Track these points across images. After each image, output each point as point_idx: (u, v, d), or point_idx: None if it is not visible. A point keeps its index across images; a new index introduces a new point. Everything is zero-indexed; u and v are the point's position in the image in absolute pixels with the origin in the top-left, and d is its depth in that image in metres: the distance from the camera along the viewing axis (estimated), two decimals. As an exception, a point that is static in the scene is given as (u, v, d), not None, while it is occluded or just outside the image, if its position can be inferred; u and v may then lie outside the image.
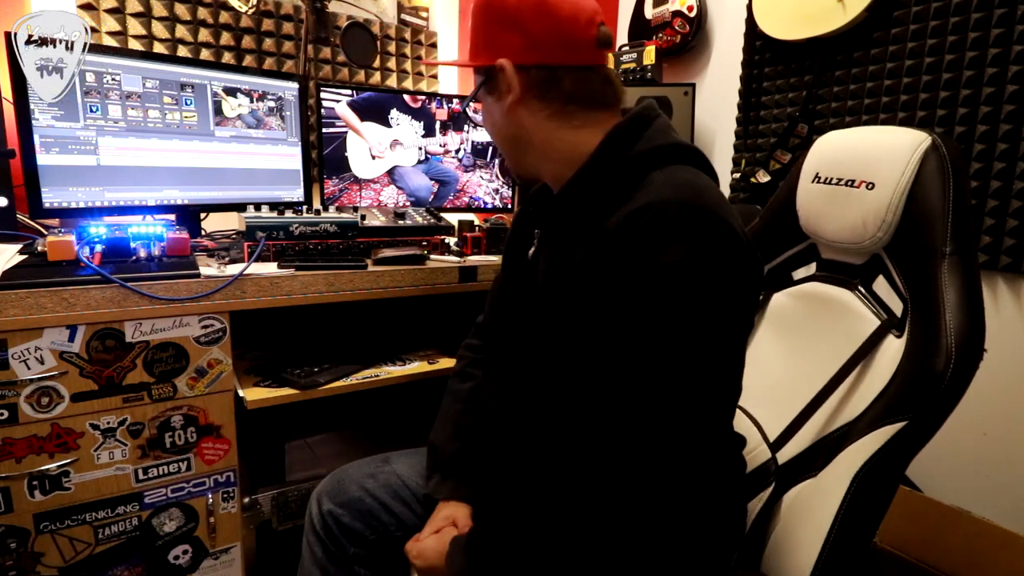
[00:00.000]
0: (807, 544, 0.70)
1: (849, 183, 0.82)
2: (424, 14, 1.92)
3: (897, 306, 0.79)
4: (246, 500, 1.10)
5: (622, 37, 2.24)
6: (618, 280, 0.57)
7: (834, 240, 0.86)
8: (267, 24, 1.63)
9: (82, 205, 1.17)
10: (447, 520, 0.80)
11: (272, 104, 1.39)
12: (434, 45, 1.95)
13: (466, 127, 1.67)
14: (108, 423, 0.94)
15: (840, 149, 0.86)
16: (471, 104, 0.73)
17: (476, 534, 0.72)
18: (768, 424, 0.86)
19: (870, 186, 0.78)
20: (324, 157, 1.49)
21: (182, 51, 1.52)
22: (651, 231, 0.56)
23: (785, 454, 0.82)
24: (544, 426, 0.70)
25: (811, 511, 0.72)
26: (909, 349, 0.72)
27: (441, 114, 1.63)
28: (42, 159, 1.11)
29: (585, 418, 0.61)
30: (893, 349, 0.75)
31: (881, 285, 0.83)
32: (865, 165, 0.80)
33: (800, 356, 0.89)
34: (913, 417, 0.65)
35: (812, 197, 0.88)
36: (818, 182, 0.87)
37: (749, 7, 1.71)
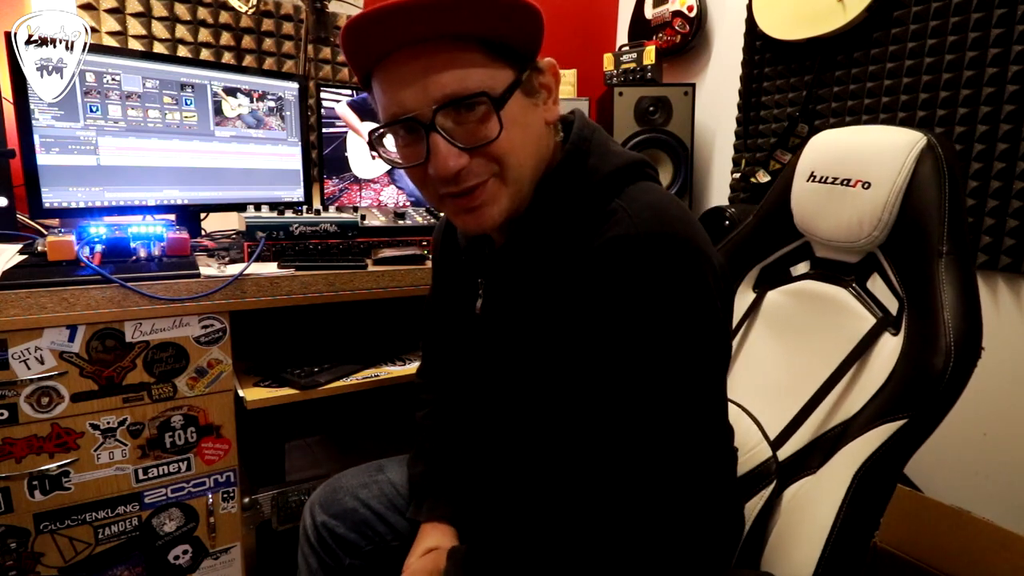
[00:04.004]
0: (808, 541, 0.70)
1: (845, 182, 0.82)
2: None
3: (892, 304, 0.79)
4: (246, 500, 1.10)
5: (622, 37, 2.24)
6: (599, 314, 0.56)
7: (829, 239, 0.86)
8: (267, 24, 1.63)
9: (82, 205, 1.17)
10: (433, 546, 0.76)
11: (272, 104, 1.39)
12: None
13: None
14: (108, 423, 0.94)
15: (835, 149, 0.86)
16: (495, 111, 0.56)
17: (474, 549, 0.69)
18: (768, 422, 0.86)
19: (866, 185, 0.79)
20: (324, 157, 1.49)
21: (182, 51, 1.52)
22: (625, 266, 0.55)
23: (785, 452, 0.83)
24: (537, 448, 0.67)
25: (812, 508, 0.72)
26: (907, 347, 0.72)
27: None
28: (42, 159, 1.11)
29: (583, 438, 0.59)
30: (890, 347, 0.75)
31: (876, 283, 0.84)
32: (861, 164, 0.80)
33: (797, 353, 0.89)
34: (912, 415, 0.65)
35: (807, 196, 0.89)
36: (813, 181, 0.87)
37: (749, 7, 1.71)
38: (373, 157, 0.64)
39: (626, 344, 0.55)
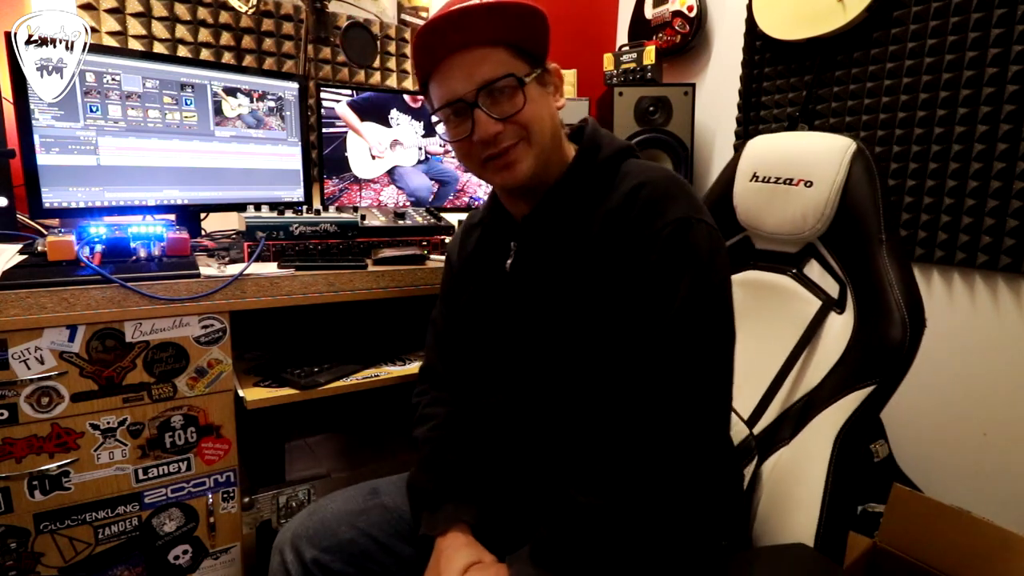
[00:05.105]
0: (804, 505, 0.76)
1: (788, 181, 0.92)
2: (424, 14, 1.92)
3: (831, 287, 0.89)
4: (246, 500, 1.10)
5: (622, 37, 2.24)
6: (631, 248, 0.68)
7: (774, 232, 0.95)
8: (267, 24, 1.63)
9: (82, 205, 1.17)
10: (474, 560, 0.71)
11: (272, 104, 1.39)
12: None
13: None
14: (108, 423, 0.94)
15: (775, 152, 0.96)
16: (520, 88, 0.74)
17: (539, 544, 0.68)
18: (739, 404, 0.92)
19: (808, 184, 0.88)
20: (324, 157, 1.49)
21: (182, 51, 1.52)
22: (650, 201, 0.70)
23: (758, 428, 0.89)
24: (573, 406, 0.73)
25: (799, 474, 0.78)
26: (859, 324, 0.81)
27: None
28: (42, 159, 1.11)
29: (632, 383, 0.67)
30: (837, 325, 0.85)
31: (812, 269, 0.93)
32: (801, 166, 0.90)
33: (754, 338, 0.95)
34: (880, 380, 0.74)
35: (751, 194, 0.98)
36: (756, 181, 0.96)
37: (749, 7, 1.71)
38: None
39: (661, 271, 0.67)
